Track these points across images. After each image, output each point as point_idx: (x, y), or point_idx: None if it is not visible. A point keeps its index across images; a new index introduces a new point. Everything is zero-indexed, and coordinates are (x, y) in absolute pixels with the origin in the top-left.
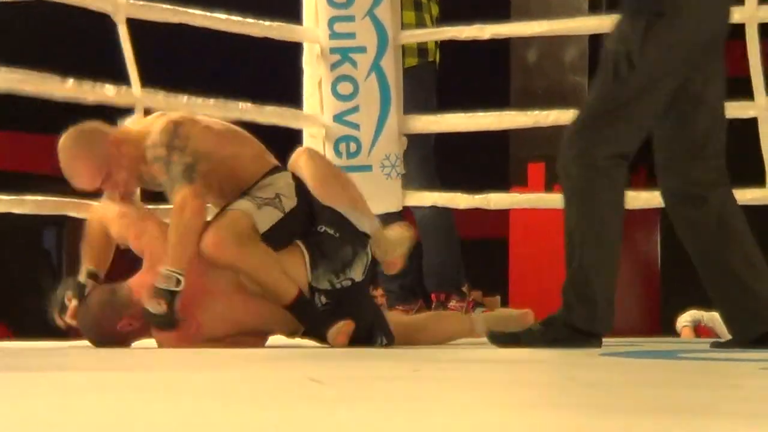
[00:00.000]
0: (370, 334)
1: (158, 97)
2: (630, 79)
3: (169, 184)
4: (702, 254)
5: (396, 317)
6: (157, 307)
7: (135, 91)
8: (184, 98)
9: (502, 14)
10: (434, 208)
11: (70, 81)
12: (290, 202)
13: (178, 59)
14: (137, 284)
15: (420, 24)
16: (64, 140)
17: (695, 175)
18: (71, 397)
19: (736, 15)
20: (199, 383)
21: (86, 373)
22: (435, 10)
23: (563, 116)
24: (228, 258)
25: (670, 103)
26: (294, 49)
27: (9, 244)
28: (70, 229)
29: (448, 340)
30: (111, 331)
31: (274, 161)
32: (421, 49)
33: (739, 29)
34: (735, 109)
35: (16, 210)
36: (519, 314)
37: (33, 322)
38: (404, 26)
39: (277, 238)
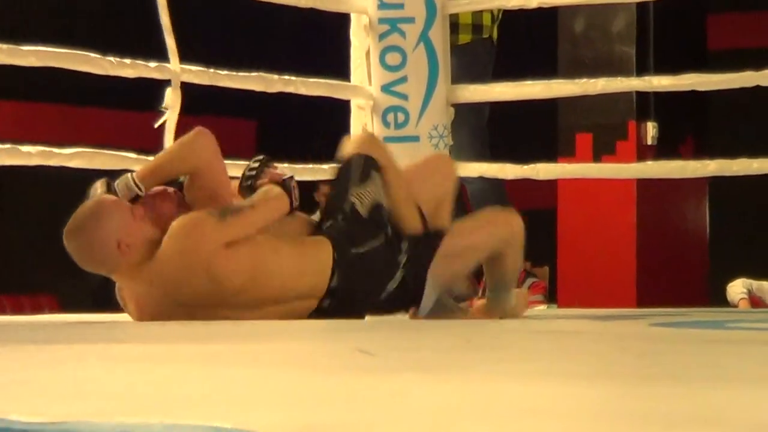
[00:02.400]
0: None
1: (198, 72)
2: None
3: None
4: None
5: None
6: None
7: (173, 66)
8: (224, 72)
9: None
10: (487, 181)
11: (111, 58)
12: None
13: (220, 32)
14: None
15: None
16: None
17: None
18: (120, 368)
19: None
20: (249, 354)
21: (135, 346)
22: None
23: (611, 85)
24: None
25: None
26: (340, 20)
27: (58, 216)
28: None
29: None
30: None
31: None
32: (476, 26)
33: None
34: None
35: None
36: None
37: (82, 296)
38: None
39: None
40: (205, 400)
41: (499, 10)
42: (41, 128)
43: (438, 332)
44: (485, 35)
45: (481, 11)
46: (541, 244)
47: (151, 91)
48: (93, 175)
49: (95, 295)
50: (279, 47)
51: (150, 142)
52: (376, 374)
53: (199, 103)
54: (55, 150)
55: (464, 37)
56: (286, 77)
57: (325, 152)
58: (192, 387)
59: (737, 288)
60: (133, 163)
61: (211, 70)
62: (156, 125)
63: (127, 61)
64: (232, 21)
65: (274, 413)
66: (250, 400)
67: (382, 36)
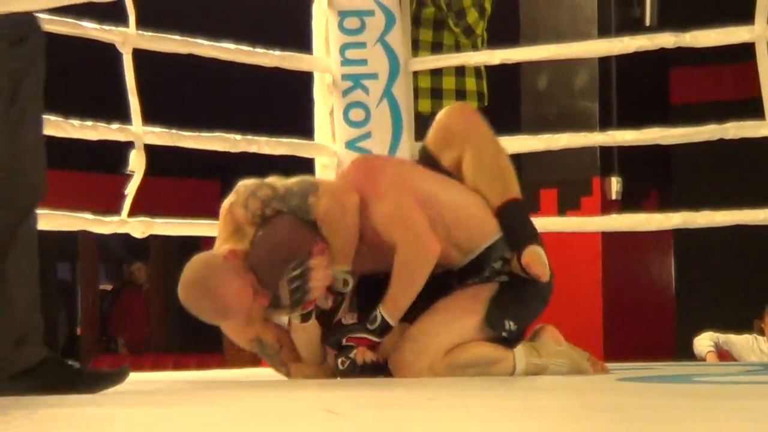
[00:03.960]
0: None
1: (161, 133)
2: None
3: None
4: None
5: None
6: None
7: (136, 128)
8: (187, 133)
9: (512, 39)
10: None
11: (74, 121)
12: None
13: (182, 93)
14: None
15: (436, 44)
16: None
17: None
18: None
19: (746, 35)
20: (212, 415)
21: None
22: (478, 26)
23: (575, 140)
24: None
25: None
26: (301, 79)
27: None
28: None
29: None
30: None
31: None
32: (459, 91)
33: (750, 48)
34: (748, 129)
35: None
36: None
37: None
38: (421, 45)
39: None
40: None
41: (483, 68)
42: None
43: (401, 389)
44: (473, 104)
45: (465, 77)
46: None
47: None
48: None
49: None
50: (242, 106)
51: (110, 204)
52: None
53: (164, 165)
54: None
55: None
56: (249, 137)
57: None
58: None
59: (704, 341)
60: (90, 224)
61: (174, 131)
62: (126, 190)
63: (89, 123)
64: (194, 81)
65: None
66: None
67: (345, 92)
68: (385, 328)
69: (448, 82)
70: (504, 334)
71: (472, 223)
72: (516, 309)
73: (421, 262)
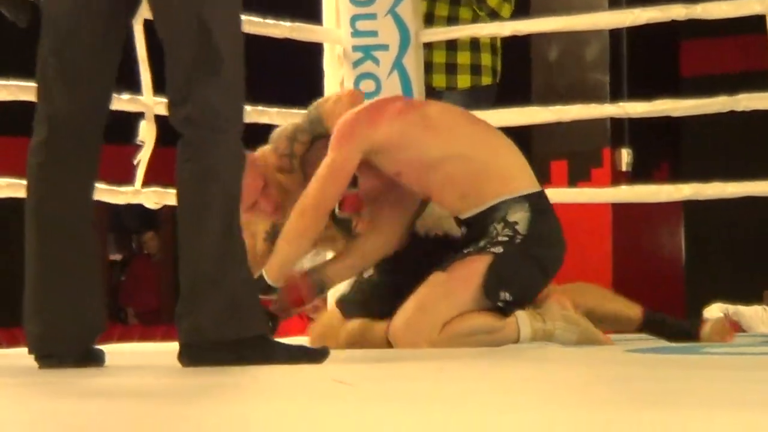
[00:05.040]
0: None
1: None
2: None
3: None
4: None
5: None
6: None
7: (146, 99)
8: None
9: (523, 11)
10: None
11: None
12: None
13: None
14: None
15: (452, 18)
16: None
17: None
18: None
19: (757, 6)
20: (223, 385)
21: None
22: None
23: (585, 112)
24: None
25: None
26: (312, 50)
27: None
28: None
29: None
30: None
31: None
32: (474, 66)
33: (761, 20)
34: (758, 101)
35: None
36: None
37: None
38: (436, 20)
39: None
40: None
41: (499, 45)
42: (10, 162)
43: (410, 361)
44: (485, 81)
45: (480, 52)
46: None
47: (124, 124)
48: None
49: None
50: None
51: (123, 175)
52: (350, 405)
53: (175, 135)
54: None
55: (464, 80)
56: (260, 108)
57: None
58: None
59: (714, 312)
60: (104, 194)
61: None
62: (135, 160)
63: (126, 96)
64: None
65: None
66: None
67: (356, 63)
68: (266, 288)
69: (463, 57)
70: (500, 304)
71: (482, 178)
72: (512, 280)
73: (297, 233)
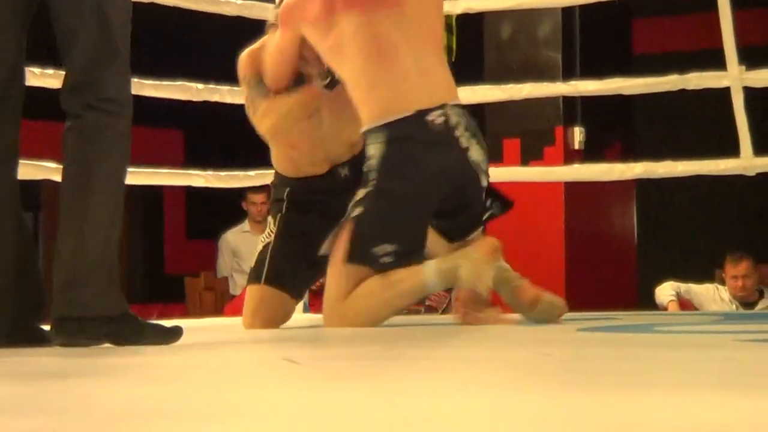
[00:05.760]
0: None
1: None
2: None
3: None
4: None
5: None
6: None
7: None
8: (148, 81)
9: None
10: None
11: (35, 69)
12: None
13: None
14: None
15: None
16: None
17: None
18: None
19: None
20: (171, 365)
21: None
22: None
23: (537, 90)
24: None
25: None
26: (264, 29)
27: None
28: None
29: None
30: None
31: None
32: None
33: (712, 0)
34: (709, 80)
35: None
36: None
37: None
38: None
39: None
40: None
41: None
42: None
43: (357, 340)
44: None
45: None
46: None
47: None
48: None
49: None
50: (204, 56)
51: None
52: (301, 384)
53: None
54: None
55: None
56: (212, 86)
57: (251, 160)
58: None
59: (666, 290)
60: (54, 173)
61: (135, 79)
62: None
63: (51, 71)
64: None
65: (211, 424)
66: (177, 412)
67: None
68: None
69: None
70: (385, 260)
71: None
72: (382, 231)
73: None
